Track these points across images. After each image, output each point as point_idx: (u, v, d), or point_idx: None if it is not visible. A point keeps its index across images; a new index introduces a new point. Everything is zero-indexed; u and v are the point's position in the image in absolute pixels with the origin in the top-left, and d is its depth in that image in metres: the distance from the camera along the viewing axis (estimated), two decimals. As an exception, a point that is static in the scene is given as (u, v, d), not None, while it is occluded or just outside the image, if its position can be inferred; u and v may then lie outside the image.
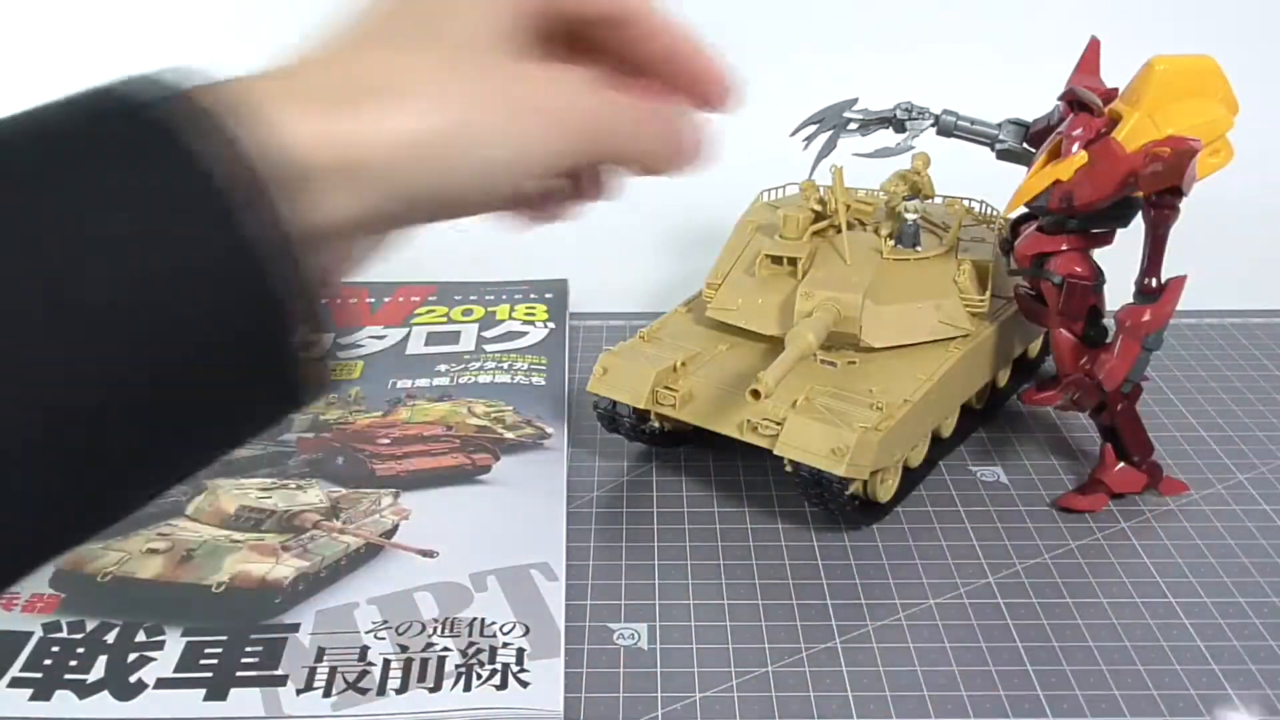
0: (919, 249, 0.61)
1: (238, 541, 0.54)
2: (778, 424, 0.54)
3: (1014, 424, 0.66)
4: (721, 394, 0.57)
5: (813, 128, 0.63)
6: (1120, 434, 0.58)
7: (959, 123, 0.62)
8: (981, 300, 0.61)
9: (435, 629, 0.49)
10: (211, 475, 0.59)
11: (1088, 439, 0.64)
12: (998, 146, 0.61)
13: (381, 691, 0.45)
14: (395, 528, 0.55)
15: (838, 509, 0.55)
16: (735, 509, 0.59)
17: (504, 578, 0.52)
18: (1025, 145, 0.60)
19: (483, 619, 0.49)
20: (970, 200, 0.69)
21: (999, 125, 0.61)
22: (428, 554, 0.53)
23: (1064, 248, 0.56)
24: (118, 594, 0.50)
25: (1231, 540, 0.56)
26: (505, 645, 0.48)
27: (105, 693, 0.45)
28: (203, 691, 0.45)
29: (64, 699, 0.45)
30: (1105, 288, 0.57)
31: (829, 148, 0.64)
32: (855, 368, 0.58)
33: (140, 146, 0.25)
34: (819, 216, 0.63)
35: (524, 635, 0.48)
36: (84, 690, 0.45)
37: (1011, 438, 0.65)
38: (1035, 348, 0.71)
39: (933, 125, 0.62)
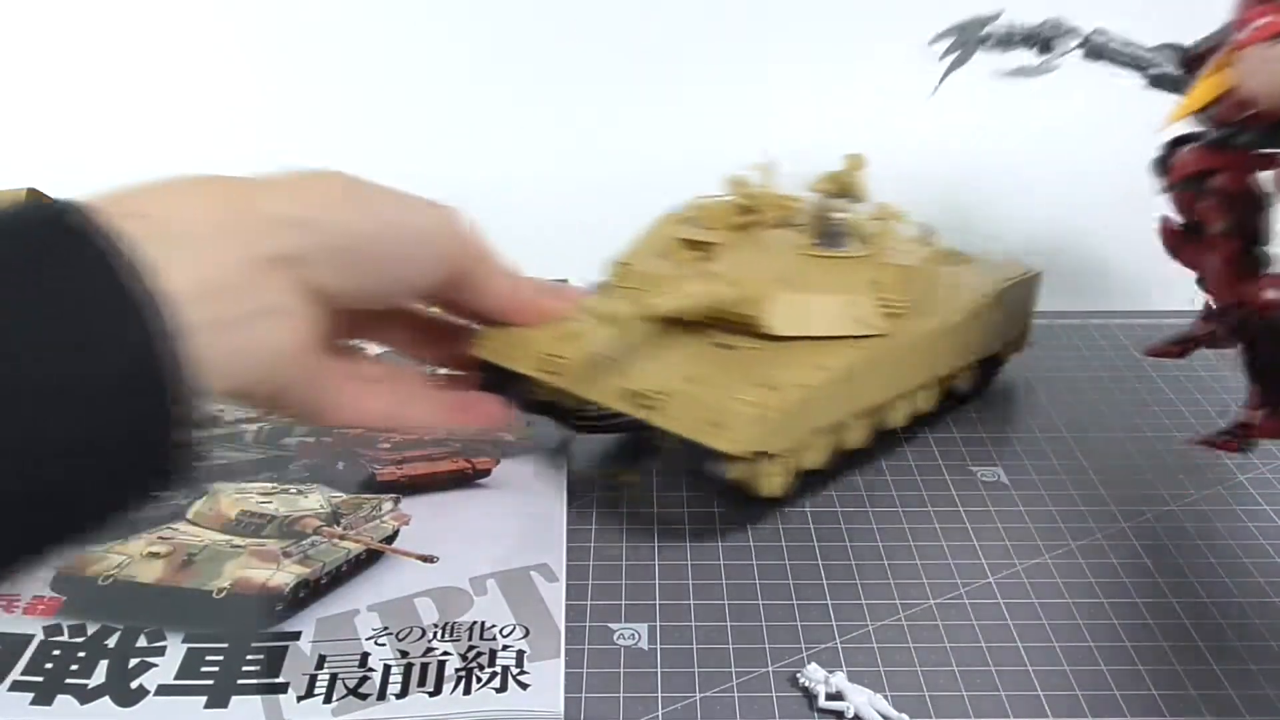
0: (842, 249, 0.59)
1: (239, 546, 0.54)
2: (662, 397, 0.52)
3: (1014, 424, 0.66)
4: (608, 364, 0.55)
5: (949, 40, 0.59)
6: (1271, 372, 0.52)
7: (1110, 44, 0.56)
8: (902, 303, 0.58)
9: (435, 633, 0.49)
10: (212, 479, 0.59)
11: (1088, 438, 0.64)
12: (1151, 71, 0.56)
13: (382, 696, 0.45)
14: (396, 533, 0.55)
15: (717, 493, 0.54)
16: (735, 509, 0.59)
17: (504, 580, 0.52)
18: (1184, 72, 0.55)
19: (482, 622, 0.49)
20: (909, 219, 0.66)
21: (1155, 49, 0.56)
22: (428, 559, 0.53)
23: (1228, 167, 0.51)
24: (119, 598, 0.51)
25: (1232, 540, 0.56)
26: (505, 648, 0.48)
27: (106, 698, 0.45)
28: (204, 699, 0.45)
29: (65, 704, 0.45)
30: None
31: (961, 60, 0.59)
32: (755, 354, 0.55)
33: (66, 254, 0.29)
34: (745, 211, 0.62)
35: (524, 638, 0.48)
36: (85, 695, 0.45)
37: (1012, 438, 0.65)
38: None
39: (1081, 46, 0.57)
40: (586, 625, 0.50)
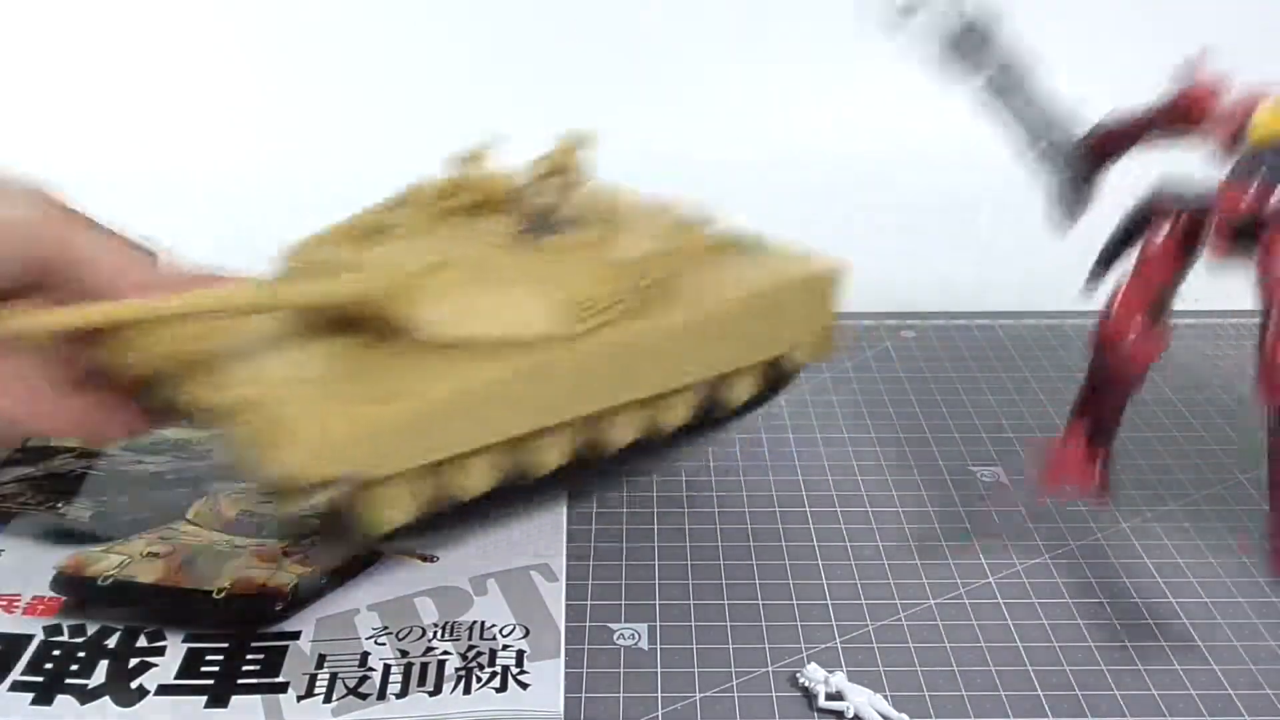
0: (550, 239, 0.51)
1: (239, 547, 0.54)
2: (244, 406, 0.44)
3: (1014, 424, 0.66)
4: (224, 363, 0.46)
5: None
6: None
7: (1022, 90, 0.47)
8: (593, 303, 0.48)
9: (435, 633, 0.49)
10: (211, 480, 0.59)
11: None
12: (1056, 136, 0.48)
13: (382, 696, 0.45)
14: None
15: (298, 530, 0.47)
16: (736, 509, 0.59)
17: (504, 580, 0.52)
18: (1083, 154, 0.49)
19: (482, 622, 0.49)
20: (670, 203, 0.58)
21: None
22: (428, 559, 0.53)
23: None
24: (119, 598, 0.50)
25: (1232, 540, 0.56)
26: (505, 648, 0.48)
27: (106, 698, 0.45)
28: (204, 699, 0.45)
29: (65, 704, 0.45)
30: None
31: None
32: (402, 359, 0.47)
33: None
34: (454, 193, 0.55)
35: (524, 637, 0.48)
36: (85, 695, 0.45)
37: (1012, 438, 0.65)
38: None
39: (987, 74, 0.48)
40: (586, 625, 0.50)
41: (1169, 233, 0.45)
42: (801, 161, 0.64)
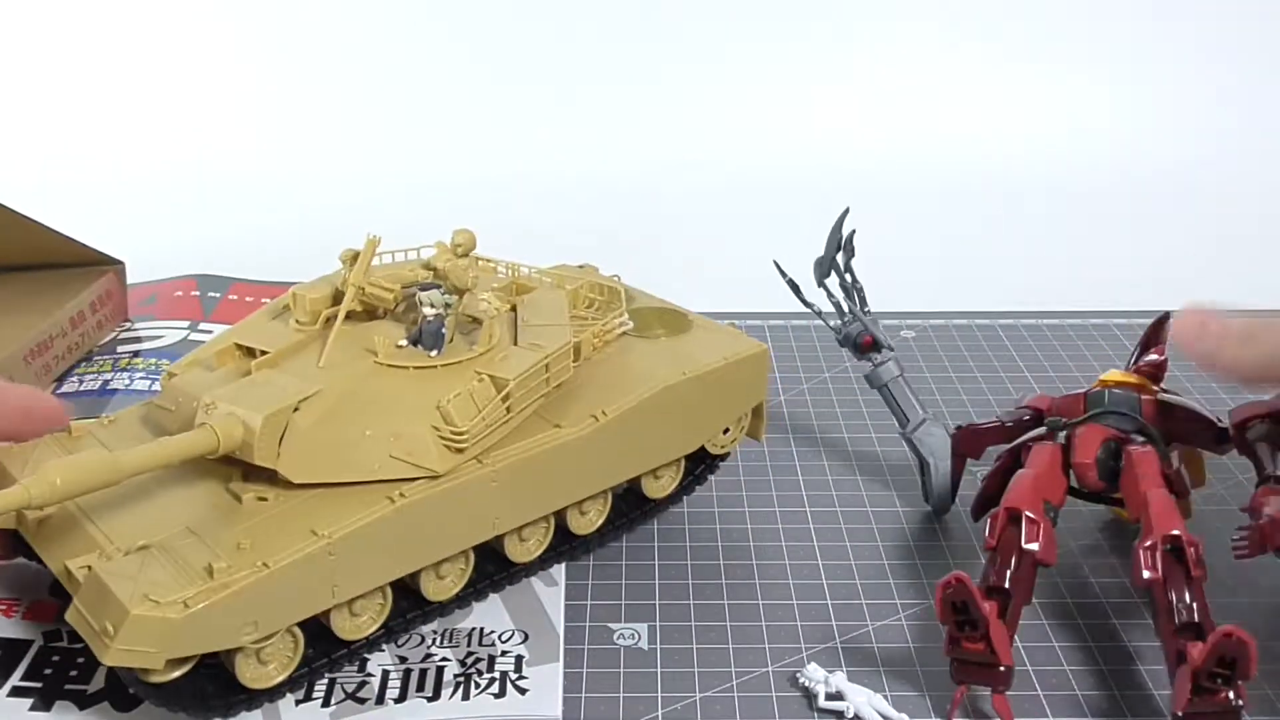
0: (436, 353, 0.48)
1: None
2: (81, 576, 0.42)
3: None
4: (77, 522, 0.44)
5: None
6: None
7: (898, 382, 0.58)
8: (462, 434, 0.45)
9: (434, 640, 0.49)
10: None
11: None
12: (909, 428, 0.58)
13: (380, 701, 0.45)
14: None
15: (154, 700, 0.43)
16: (735, 509, 0.59)
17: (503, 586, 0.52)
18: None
19: (481, 629, 0.49)
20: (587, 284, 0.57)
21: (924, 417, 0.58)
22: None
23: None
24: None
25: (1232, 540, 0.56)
26: (504, 653, 0.48)
27: (105, 703, 0.45)
28: (202, 702, 0.45)
29: (64, 709, 0.45)
30: None
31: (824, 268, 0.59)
32: (258, 509, 0.44)
33: None
34: (336, 300, 0.51)
35: (523, 643, 0.48)
36: (84, 701, 0.45)
37: (1011, 435, 0.65)
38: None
39: (875, 358, 0.59)
40: (586, 625, 0.50)
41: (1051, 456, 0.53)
42: (800, 165, 0.64)
